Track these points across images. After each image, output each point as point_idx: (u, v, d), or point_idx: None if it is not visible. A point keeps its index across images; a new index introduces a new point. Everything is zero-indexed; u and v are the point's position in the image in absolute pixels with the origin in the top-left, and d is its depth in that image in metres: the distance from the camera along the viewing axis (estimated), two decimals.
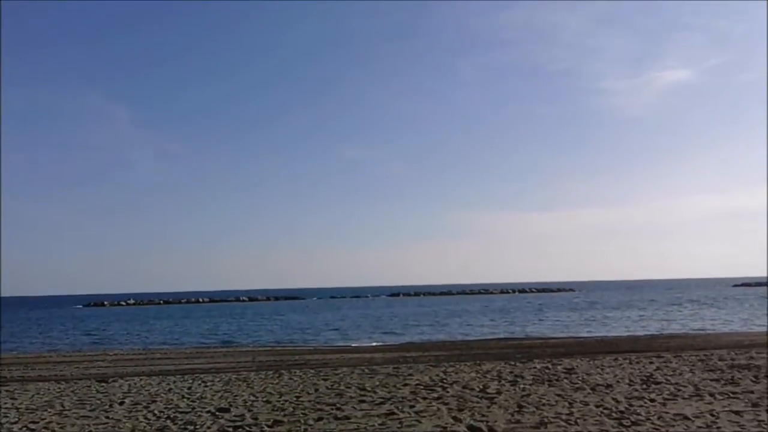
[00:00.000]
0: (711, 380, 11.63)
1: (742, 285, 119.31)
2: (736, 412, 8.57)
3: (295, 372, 15.13)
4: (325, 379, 13.35)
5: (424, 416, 8.89)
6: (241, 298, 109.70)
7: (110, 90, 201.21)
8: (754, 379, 11.56)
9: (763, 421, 8.01)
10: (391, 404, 9.92)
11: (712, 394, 10.05)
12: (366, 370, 14.85)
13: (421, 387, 11.75)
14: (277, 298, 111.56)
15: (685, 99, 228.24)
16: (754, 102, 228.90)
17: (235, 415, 9.43)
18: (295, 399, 10.80)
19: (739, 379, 11.70)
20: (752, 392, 10.17)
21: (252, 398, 11.07)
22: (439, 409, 9.43)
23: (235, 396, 11.39)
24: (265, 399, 10.93)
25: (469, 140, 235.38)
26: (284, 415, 9.29)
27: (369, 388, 11.73)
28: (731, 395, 9.94)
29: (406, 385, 12.12)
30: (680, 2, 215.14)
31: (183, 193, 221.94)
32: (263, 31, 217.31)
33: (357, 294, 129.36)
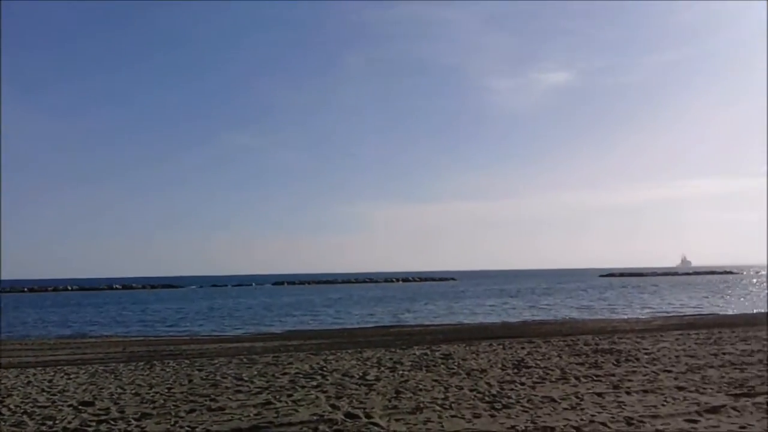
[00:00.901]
0: (576, 364, 12.27)
1: (608, 275, 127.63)
2: (599, 394, 9.05)
3: (168, 363, 14.51)
4: (200, 370, 12.89)
5: (302, 405, 8.75)
6: (114, 286, 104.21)
7: None
8: (615, 363, 12.31)
9: (623, 402, 8.50)
10: (269, 394, 9.70)
11: (577, 378, 10.58)
12: (245, 360, 14.50)
13: (301, 375, 11.60)
14: (153, 287, 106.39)
15: (565, 99, 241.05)
16: (632, 103, 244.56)
17: (99, 409, 8.88)
18: (166, 391, 10.33)
19: (602, 363, 12.42)
20: (614, 375, 10.80)
21: (119, 391, 10.48)
22: (317, 397, 9.33)
23: (101, 389, 10.74)
24: (133, 391, 10.38)
25: (357, 133, 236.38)
26: (153, 408, 8.85)
27: (246, 378, 11.43)
28: (595, 378, 10.52)
29: (285, 374, 11.92)
30: (562, 8, 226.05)
31: (61, 175, 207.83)
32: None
33: (241, 282, 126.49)
